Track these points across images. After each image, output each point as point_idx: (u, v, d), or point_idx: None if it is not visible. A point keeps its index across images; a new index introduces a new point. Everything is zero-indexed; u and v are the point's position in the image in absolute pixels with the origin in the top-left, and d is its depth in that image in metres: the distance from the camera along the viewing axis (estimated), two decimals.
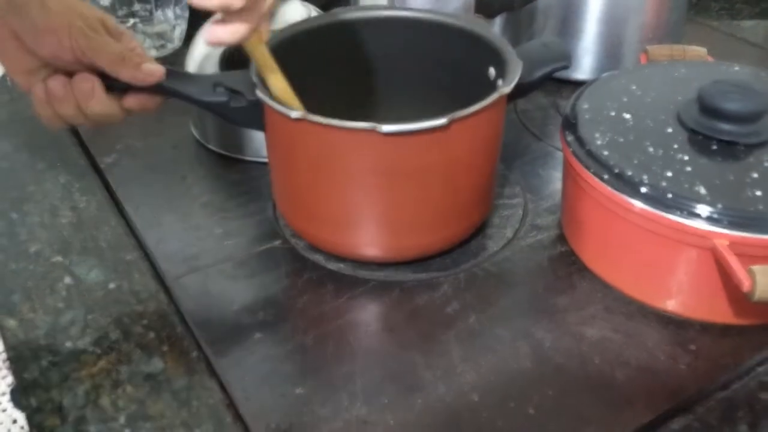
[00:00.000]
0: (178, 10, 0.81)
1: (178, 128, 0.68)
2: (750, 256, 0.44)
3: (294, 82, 0.50)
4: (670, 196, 0.46)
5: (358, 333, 0.48)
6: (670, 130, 0.51)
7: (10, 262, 0.54)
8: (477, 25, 0.56)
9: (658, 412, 0.43)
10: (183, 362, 0.46)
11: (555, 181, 0.61)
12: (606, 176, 0.48)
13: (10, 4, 0.43)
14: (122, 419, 0.43)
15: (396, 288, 0.51)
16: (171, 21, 0.81)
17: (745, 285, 0.42)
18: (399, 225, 0.51)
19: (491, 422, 0.42)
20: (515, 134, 0.68)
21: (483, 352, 0.46)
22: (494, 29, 0.79)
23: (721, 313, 0.48)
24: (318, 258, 0.54)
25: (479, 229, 0.56)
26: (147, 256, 0.55)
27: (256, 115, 0.50)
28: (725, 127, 0.50)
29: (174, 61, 0.77)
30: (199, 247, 0.55)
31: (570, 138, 0.52)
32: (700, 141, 0.50)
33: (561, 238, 0.55)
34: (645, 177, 0.47)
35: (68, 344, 0.48)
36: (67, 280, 0.53)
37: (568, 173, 0.53)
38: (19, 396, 0.45)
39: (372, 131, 0.45)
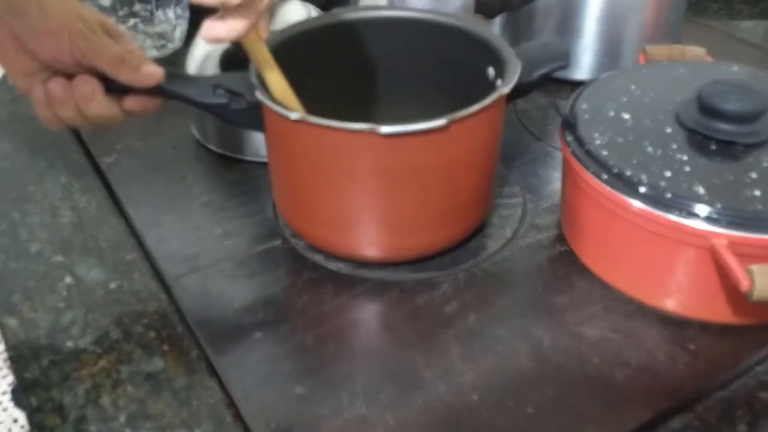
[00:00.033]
0: (178, 11, 0.81)
1: (179, 128, 0.68)
2: (748, 255, 0.44)
3: (294, 83, 0.51)
4: (669, 195, 0.46)
5: (358, 332, 0.48)
6: (669, 130, 0.52)
7: (10, 262, 0.55)
8: (477, 25, 0.57)
9: (658, 411, 0.43)
10: (183, 362, 0.47)
11: (554, 181, 0.61)
12: (605, 176, 0.48)
13: (10, 6, 0.43)
14: (122, 418, 0.43)
15: (395, 288, 0.51)
16: (172, 21, 0.81)
17: (744, 284, 0.42)
18: (398, 225, 0.51)
19: (490, 421, 0.42)
20: (515, 134, 0.68)
21: (482, 352, 0.46)
22: (494, 29, 0.79)
23: (720, 313, 0.48)
24: (318, 258, 0.54)
25: (479, 229, 0.56)
26: (147, 255, 0.55)
27: (255, 116, 0.50)
28: (724, 127, 0.50)
29: (175, 61, 0.78)
30: (199, 246, 0.55)
31: (569, 138, 0.52)
32: (698, 141, 0.50)
33: (560, 238, 0.55)
34: (644, 177, 0.47)
35: (69, 344, 0.48)
36: (68, 279, 0.53)
37: (568, 173, 0.53)
38: (19, 395, 0.45)
39: (371, 132, 0.45)
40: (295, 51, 0.54)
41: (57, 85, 0.45)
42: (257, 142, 0.63)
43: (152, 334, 0.49)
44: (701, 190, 0.46)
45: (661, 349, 0.47)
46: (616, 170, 0.48)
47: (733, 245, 0.44)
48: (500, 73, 0.52)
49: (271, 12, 0.61)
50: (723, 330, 0.48)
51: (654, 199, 0.46)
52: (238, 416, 0.43)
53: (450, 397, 0.43)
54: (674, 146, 0.50)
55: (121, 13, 0.79)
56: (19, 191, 0.62)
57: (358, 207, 0.50)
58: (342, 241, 0.52)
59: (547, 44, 0.55)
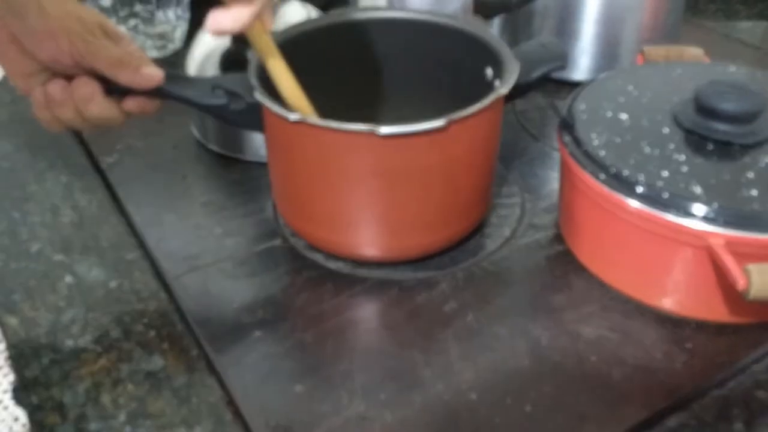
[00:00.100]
0: (179, 11, 0.82)
1: (179, 128, 0.69)
2: (745, 254, 0.44)
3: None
4: (666, 195, 0.46)
5: (357, 331, 0.49)
6: (666, 130, 0.52)
7: (11, 261, 0.55)
8: (475, 26, 0.57)
9: (655, 409, 0.43)
10: (183, 360, 0.47)
11: (552, 181, 0.62)
12: (602, 176, 0.48)
13: (9, 8, 0.43)
14: (122, 417, 0.43)
15: (395, 287, 0.51)
16: (172, 22, 0.82)
17: (741, 284, 0.43)
18: (398, 225, 0.51)
19: (489, 419, 0.42)
20: (513, 135, 0.69)
21: (481, 351, 0.47)
22: (492, 30, 0.79)
23: (717, 312, 0.48)
24: (317, 257, 0.54)
25: (477, 229, 0.56)
26: (147, 255, 0.55)
27: (255, 117, 0.50)
28: (721, 127, 0.50)
29: (175, 61, 0.78)
30: (200, 246, 0.55)
31: (567, 138, 0.52)
32: (696, 141, 0.51)
33: (558, 238, 0.56)
34: (641, 177, 0.47)
35: (69, 342, 0.48)
36: (68, 278, 0.53)
37: (565, 173, 0.53)
38: (20, 393, 0.45)
39: (370, 133, 0.45)
40: (294, 52, 0.54)
41: (56, 87, 0.45)
42: (257, 143, 0.63)
43: (152, 332, 0.49)
44: (698, 190, 0.46)
45: (659, 348, 0.47)
46: (613, 170, 0.48)
47: (730, 245, 0.44)
48: (499, 73, 0.52)
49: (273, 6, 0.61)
50: (720, 329, 0.48)
51: (651, 198, 0.46)
52: (237, 414, 0.43)
53: (449, 395, 0.44)
54: (672, 146, 0.50)
55: (121, 13, 0.79)
56: (19, 191, 0.62)
57: (358, 207, 0.50)
58: (341, 241, 0.52)
59: (545, 45, 0.56)
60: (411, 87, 0.61)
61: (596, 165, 0.49)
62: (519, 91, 0.51)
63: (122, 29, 0.78)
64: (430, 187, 0.49)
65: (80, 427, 0.43)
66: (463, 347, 0.47)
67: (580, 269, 0.53)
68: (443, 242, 0.54)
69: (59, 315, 0.50)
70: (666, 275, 0.48)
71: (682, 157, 0.49)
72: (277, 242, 0.56)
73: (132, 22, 0.80)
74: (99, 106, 0.46)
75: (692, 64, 0.61)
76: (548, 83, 0.73)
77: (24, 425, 0.44)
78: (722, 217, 0.45)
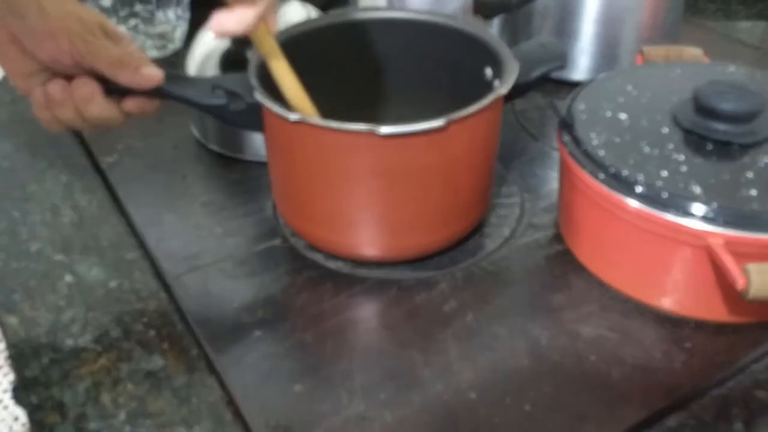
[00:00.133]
0: (179, 11, 0.82)
1: (179, 128, 0.69)
2: (745, 254, 0.44)
3: None
4: (665, 195, 0.46)
5: (357, 331, 0.49)
6: (665, 130, 0.52)
7: (11, 261, 0.55)
8: (475, 26, 0.57)
9: (654, 409, 0.43)
10: (183, 360, 0.47)
11: (552, 180, 0.62)
12: (602, 176, 0.48)
13: (9, 8, 0.43)
14: (122, 416, 0.43)
15: (394, 286, 0.52)
16: (172, 22, 0.82)
17: (740, 283, 0.43)
18: (397, 225, 0.51)
19: (488, 419, 0.42)
20: (513, 134, 0.69)
21: (480, 350, 0.47)
22: (492, 30, 0.79)
23: (717, 312, 0.48)
24: (317, 257, 0.54)
25: (477, 228, 0.56)
26: (147, 254, 0.55)
27: (255, 117, 0.50)
28: (720, 127, 0.50)
29: (175, 61, 0.78)
30: (200, 245, 0.55)
31: (566, 138, 0.52)
32: (695, 141, 0.51)
33: (558, 237, 0.56)
34: (640, 176, 0.47)
35: (69, 342, 0.48)
36: (68, 278, 0.53)
37: (565, 173, 0.54)
38: (20, 393, 0.45)
39: (370, 133, 0.45)
40: (294, 52, 0.54)
41: (56, 87, 0.45)
42: (257, 142, 0.63)
43: (152, 332, 0.49)
44: (698, 190, 0.46)
45: (658, 348, 0.47)
46: (612, 170, 0.48)
47: (730, 244, 0.44)
48: (498, 73, 0.52)
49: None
50: (719, 328, 0.48)
51: (651, 198, 0.46)
52: (237, 414, 0.43)
53: (448, 395, 0.44)
54: (671, 146, 0.50)
55: (121, 13, 0.79)
56: (20, 191, 0.62)
57: (357, 207, 0.50)
58: (341, 241, 0.52)
59: (545, 45, 0.56)
60: (411, 87, 0.61)
61: (595, 165, 0.49)
62: (518, 91, 0.51)
63: (122, 29, 0.78)
64: (430, 186, 0.49)
65: (80, 426, 0.43)
66: (463, 347, 0.47)
67: (580, 269, 0.53)
68: (443, 242, 0.54)
69: (59, 314, 0.50)
70: (665, 275, 0.48)
71: (682, 157, 0.49)
72: (277, 242, 0.56)
73: (132, 22, 0.80)
74: (99, 107, 0.46)
75: (691, 64, 0.61)
76: (548, 83, 0.73)
77: (24, 425, 0.44)
78: (721, 216, 0.45)
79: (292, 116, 0.46)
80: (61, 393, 0.45)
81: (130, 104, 0.48)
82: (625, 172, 0.48)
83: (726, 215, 0.45)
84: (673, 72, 0.59)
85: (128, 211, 0.59)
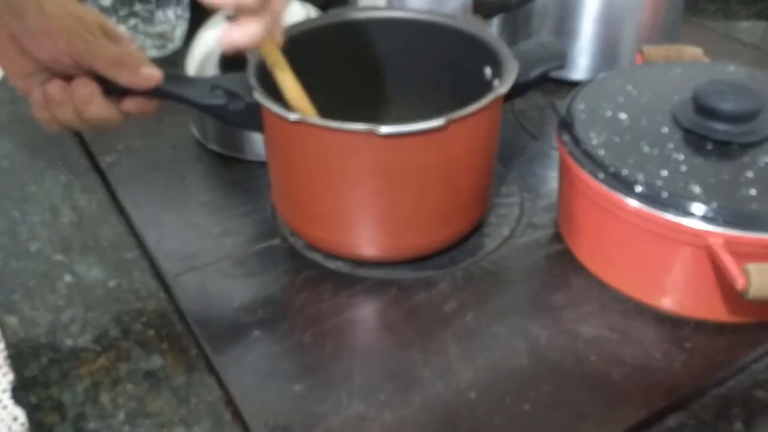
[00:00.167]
0: (179, 11, 0.82)
1: (178, 128, 0.69)
2: (744, 254, 0.44)
3: None
4: (665, 195, 0.46)
5: (356, 331, 0.49)
6: (665, 129, 0.52)
7: (11, 261, 0.55)
8: (474, 25, 0.57)
9: (654, 409, 0.43)
10: (182, 360, 0.47)
11: (551, 180, 0.62)
12: (601, 175, 0.48)
13: (9, 8, 0.43)
14: (121, 416, 0.43)
15: (394, 286, 0.51)
16: (172, 21, 0.82)
17: (740, 283, 0.43)
18: (397, 225, 0.51)
19: (488, 419, 0.42)
20: (512, 134, 0.69)
21: (480, 350, 0.47)
22: (492, 30, 0.79)
23: (716, 311, 0.48)
24: (316, 257, 0.54)
25: (476, 228, 0.56)
26: (147, 254, 0.55)
27: (254, 117, 0.50)
28: (720, 126, 0.50)
29: (175, 61, 0.78)
30: (199, 245, 0.55)
31: (566, 138, 0.52)
32: (695, 141, 0.51)
33: (557, 237, 0.56)
34: (640, 176, 0.47)
35: (68, 342, 0.48)
36: (68, 278, 0.53)
37: (564, 172, 0.53)
38: (19, 393, 0.45)
39: (370, 133, 0.45)
40: (294, 51, 0.54)
41: (55, 88, 0.45)
42: (256, 142, 0.63)
43: (151, 332, 0.49)
44: (698, 190, 0.46)
45: (658, 348, 0.47)
46: (612, 170, 0.48)
47: (730, 244, 0.44)
48: (497, 73, 0.52)
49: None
50: (719, 328, 0.48)
51: (650, 198, 0.46)
52: (236, 414, 0.43)
53: (448, 395, 0.44)
54: (671, 146, 0.50)
55: (121, 13, 0.79)
56: (19, 191, 0.62)
57: (357, 207, 0.50)
58: (341, 241, 0.52)
59: (544, 44, 0.56)
60: (410, 87, 0.61)
61: (595, 164, 0.49)
62: (518, 90, 0.51)
63: (122, 29, 0.78)
64: (429, 186, 0.49)
65: (79, 426, 0.43)
66: (463, 347, 0.47)
67: (579, 268, 0.53)
68: (442, 242, 0.54)
69: (58, 314, 0.50)
70: (665, 275, 0.48)
71: (681, 157, 0.49)
72: (276, 242, 0.56)
73: (132, 21, 0.80)
74: (98, 107, 0.46)
75: (691, 63, 0.61)
76: (547, 83, 0.74)
77: (23, 425, 0.44)
78: (721, 216, 0.45)
79: (292, 116, 0.46)
80: (60, 393, 0.45)
81: (130, 104, 0.48)
82: (624, 172, 0.47)
83: (726, 215, 0.45)
84: (673, 72, 0.59)
85: (127, 210, 0.59)
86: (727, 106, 0.50)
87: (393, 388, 0.44)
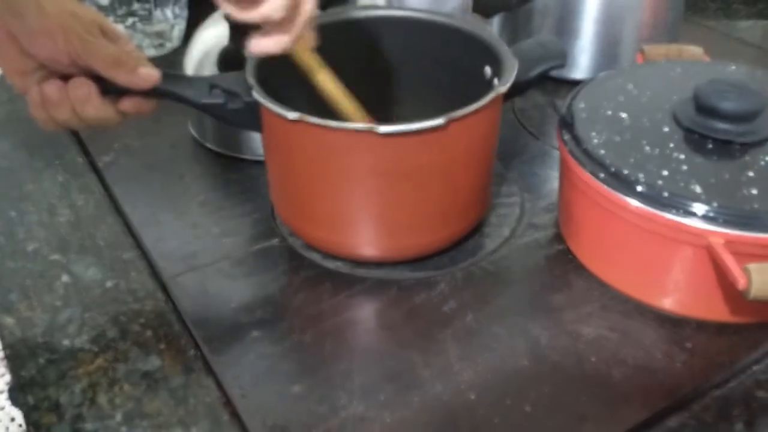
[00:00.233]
0: (177, 10, 0.81)
1: (176, 127, 0.68)
2: (745, 254, 0.44)
3: (294, 82, 0.51)
4: (666, 194, 0.46)
5: (356, 331, 0.48)
6: (666, 129, 0.52)
7: (7, 261, 0.55)
8: (474, 24, 0.57)
9: (655, 410, 0.43)
10: (180, 360, 0.47)
11: (552, 180, 0.61)
12: (602, 175, 0.48)
13: (8, 7, 0.42)
14: (119, 417, 0.43)
15: (393, 286, 0.51)
16: (170, 20, 0.81)
17: (741, 283, 0.42)
18: (397, 225, 0.51)
19: (488, 420, 0.42)
20: (513, 133, 0.68)
21: (480, 351, 0.46)
22: (492, 29, 0.79)
23: (717, 312, 0.48)
24: (315, 256, 0.54)
25: (477, 228, 0.56)
26: (144, 254, 0.55)
27: (252, 116, 0.50)
28: (721, 126, 0.50)
29: (173, 60, 0.78)
30: (197, 245, 0.55)
31: (567, 137, 0.52)
32: (696, 140, 0.50)
33: (558, 237, 0.56)
34: (641, 176, 0.47)
35: (65, 342, 0.48)
36: (65, 278, 0.53)
37: (565, 172, 0.53)
38: (16, 394, 0.45)
39: (369, 132, 0.45)
40: None
41: (52, 88, 0.45)
42: (255, 142, 0.63)
43: (149, 332, 0.49)
44: (698, 189, 0.46)
45: (659, 348, 0.47)
46: (613, 169, 0.48)
47: (730, 244, 0.44)
48: (497, 72, 0.52)
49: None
50: (720, 329, 0.48)
51: (651, 198, 0.46)
52: (235, 415, 0.43)
53: (448, 395, 0.43)
54: (671, 145, 0.50)
55: (119, 12, 0.79)
56: (16, 190, 0.62)
57: (356, 207, 0.50)
58: (340, 241, 0.52)
59: (544, 43, 0.56)
60: (410, 86, 0.60)
61: (596, 164, 0.49)
62: (518, 89, 0.51)
63: (120, 28, 0.78)
64: (429, 186, 0.49)
65: (76, 427, 0.42)
66: (463, 347, 0.46)
67: (580, 269, 0.53)
68: (442, 242, 0.53)
69: (56, 315, 0.50)
70: (666, 275, 0.48)
71: (682, 156, 0.49)
72: (275, 242, 0.55)
73: (130, 20, 0.80)
74: (95, 107, 0.46)
75: (692, 63, 0.61)
76: (548, 82, 0.73)
77: (20, 425, 0.44)
78: (722, 216, 0.44)
79: (291, 115, 0.46)
80: (57, 393, 0.44)
81: (127, 104, 0.48)
82: (625, 172, 0.47)
83: (727, 214, 0.44)
84: (673, 71, 0.59)
85: (125, 210, 0.59)
86: (727, 105, 0.50)
87: (392, 388, 0.44)
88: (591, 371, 0.45)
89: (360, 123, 0.51)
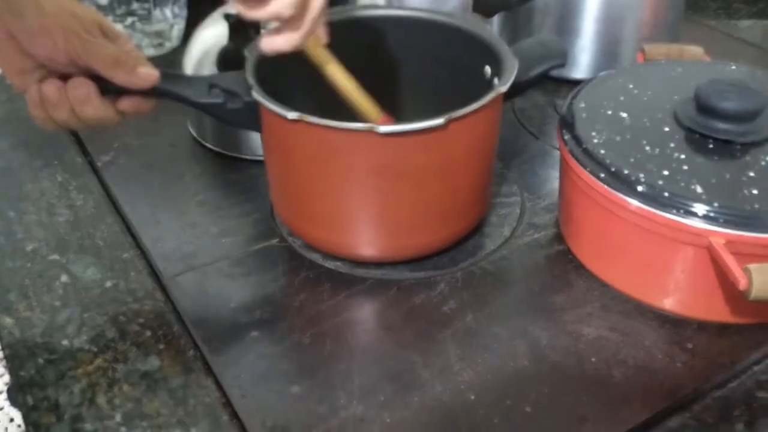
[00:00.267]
0: (176, 9, 0.81)
1: (176, 127, 0.68)
2: (746, 254, 0.44)
3: (293, 82, 0.50)
4: (666, 194, 0.46)
5: (355, 331, 0.48)
6: (666, 129, 0.52)
7: (6, 261, 0.54)
8: (474, 24, 0.56)
9: (655, 410, 0.43)
10: (179, 361, 0.46)
11: (552, 179, 0.61)
12: (603, 175, 0.48)
13: (8, 6, 0.42)
14: (118, 417, 0.43)
15: (393, 287, 0.51)
16: (169, 20, 0.81)
17: (741, 283, 0.42)
18: (396, 225, 0.51)
19: (488, 420, 0.42)
20: (513, 133, 0.68)
21: (480, 351, 0.46)
22: (492, 28, 0.79)
23: (718, 312, 0.48)
24: (315, 256, 0.54)
25: (477, 228, 0.56)
26: (144, 254, 0.55)
27: (252, 116, 0.50)
28: (722, 126, 0.50)
29: (172, 59, 0.77)
30: (196, 245, 0.55)
31: (567, 137, 0.52)
32: (696, 140, 0.50)
33: (558, 237, 0.55)
34: (641, 176, 0.47)
35: (64, 342, 0.48)
36: (64, 278, 0.53)
37: (565, 172, 0.53)
38: (15, 394, 0.45)
39: (369, 132, 0.45)
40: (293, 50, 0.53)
41: (51, 88, 0.45)
42: (255, 141, 0.63)
43: (148, 333, 0.48)
44: (699, 189, 0.46)
45: (659, 348, 0.46)
46: (613, 169, 0.48)
47: (731, 244, 0.44)
48: (497, 71, 0.52)
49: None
50: (721, 329, 0.48)
51: (652, 197, 0.46)
52: (234, 415, 0.43)
53: (447, 396, 0.43)
54: (672, 145, 0.50)
55: (118, 11, 0.79)
56: (15, 190, 0.62)
57: (356, 206, 0.50)
58: (339, 241, 0.52)
59: (544, 43, 0.55)
60: (410, 85, 0.60)
61: (596, 164, 0.49)
62: (518, 89, 0.51)
63: (119, 27, 0.78)
64: (429, 186, 0.49)
65: (76, 427, 0.42)
66: (462, 348, 0.46)
67: (580, 269, 0.52)
68: (442, 241, 0.53)
69: (55, 315, 0.50)
70: (666, 275, 0.48)
71: (683, 156, 0.49)
72: (275, 242, 0.55)
73: (129, 20, 0.79)
74: (94, 107, 0.46)
75: (693, 62, 0.61)
76: (548, 81, 0.73)
77: (19, 426, 0.44)
78: (723, 216, 0.44)
79: (291, 115, 0.46)
80: (56, 394, 0.44)
81: (126, 104, 0.47)
82: (626, 171, 0.47)
83: (727, 215, 0.44)
84: (674, 71, 0.59)
85: (124, 210, 0.58)
86: (728, 105, 0.50)
87: (392, 389, 0.44)
88: (591, 371, 0.45)
89: (375, 119, 0.52)
